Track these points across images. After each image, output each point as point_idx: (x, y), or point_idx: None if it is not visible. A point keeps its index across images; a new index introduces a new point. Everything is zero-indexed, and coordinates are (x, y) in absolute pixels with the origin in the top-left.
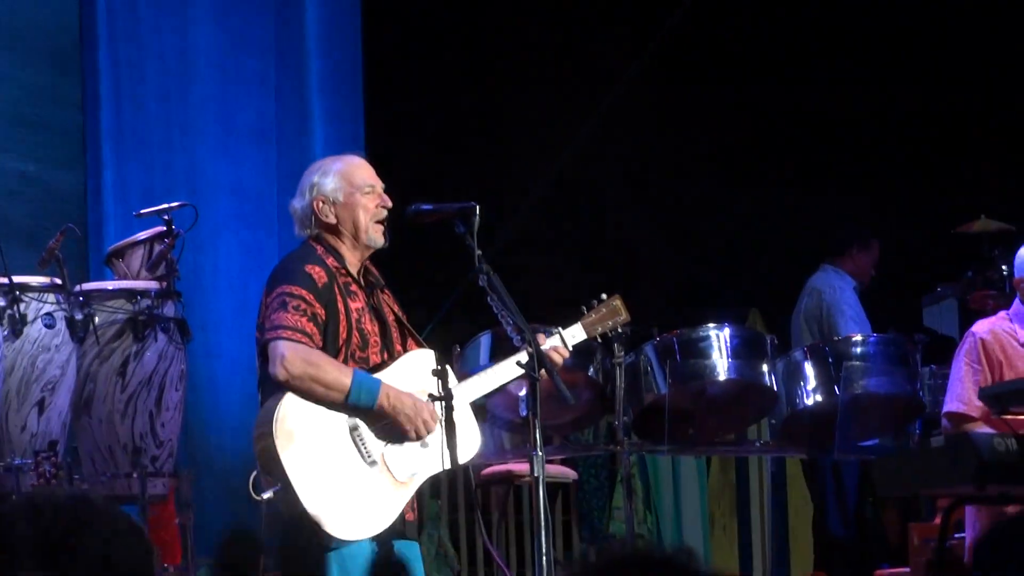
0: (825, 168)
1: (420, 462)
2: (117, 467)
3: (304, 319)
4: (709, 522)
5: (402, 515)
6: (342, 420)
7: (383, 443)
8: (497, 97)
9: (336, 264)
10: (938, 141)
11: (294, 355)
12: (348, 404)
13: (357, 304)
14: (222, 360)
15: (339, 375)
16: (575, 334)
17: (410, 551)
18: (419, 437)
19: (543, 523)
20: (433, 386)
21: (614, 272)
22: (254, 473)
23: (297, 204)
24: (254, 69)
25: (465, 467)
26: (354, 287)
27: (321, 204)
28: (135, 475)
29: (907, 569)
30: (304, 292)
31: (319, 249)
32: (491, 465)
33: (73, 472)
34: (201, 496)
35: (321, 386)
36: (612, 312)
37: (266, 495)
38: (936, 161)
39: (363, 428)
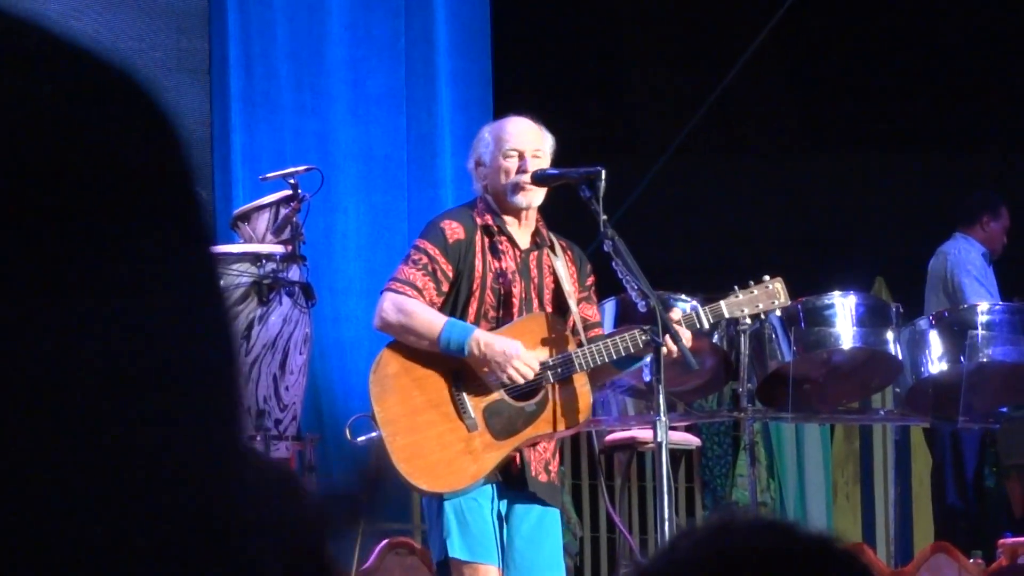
0: (954, 134)
1: (522, 422)
2: None
3: (420, 273)
4: (832, 490)
5: (530, 475)
6: (444, 372)
7: (483, 399)
8: (625, 61)
9: (491, 222)
10: None
11: (391, 305)
12: (440, 350)
13: (501, 264)
14: (350, 324)
15: (431, 322)
16: (715, 312)
17: (546, 517)
18: (512, 384)
19: (666, 489)
20: (546, 350)
21: (737, 239)
22: (352, 418)
23: (467, 164)
24: (383, 32)
25: (588, 433)
26: (505, 245)
27: (477, 166)
28: (259, 438)
29: None
30: (430, 247)
31: (479, 206)
32: (614, 431)
33: None
34: (327, 460)
35: (413, 334)
36: (768, 295)
37: (360, 439)
38: None
39: (464, 382)
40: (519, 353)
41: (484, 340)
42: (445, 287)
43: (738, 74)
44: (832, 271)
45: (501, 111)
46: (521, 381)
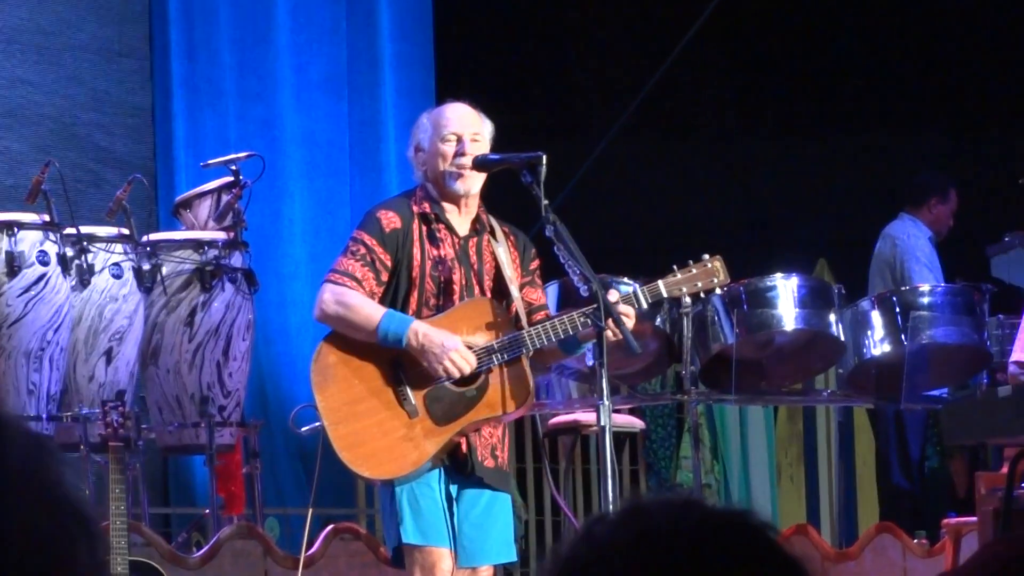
0: (896, 114)
1: (462, 407)
2: (185, 417)
3: (359, 264)
4: (776, 472)
5: (476, 460)
6: (384, 360)
7: (424, 386)
8: (567, 46)
9: (428, 210)
10: (1010, 88)
11: (331, 296)
12: (379, 342)
13: (439, 252)
14: (296, 309)
15: (369, 314)
16: (654, 291)
17: (495, 502)
18: (449, 378)
19: (610, 472)
20: (488, 335)
21: (679, 222)
22: (296, 408)
23: (407, 151)
24: (325, 17)
25: (532, 416)
26: (443, 233)
27: (416, 152)
28: (202, 425)
29: (974, 518)
30: (367, 237)
31: (417, 194)
32: (558, 414)
33: (141, 422)
34: (273, 446)
35: (352, 327)
36: (707, 273)
37: (304, 429)
38: (1007, 108)
39: (404, 370)
40: (457, 346)
41: (422, 332)
42: (384, 276)
43: (679, 57)
44: (775, 253)
45: (444, 96)
46: (457, 375)
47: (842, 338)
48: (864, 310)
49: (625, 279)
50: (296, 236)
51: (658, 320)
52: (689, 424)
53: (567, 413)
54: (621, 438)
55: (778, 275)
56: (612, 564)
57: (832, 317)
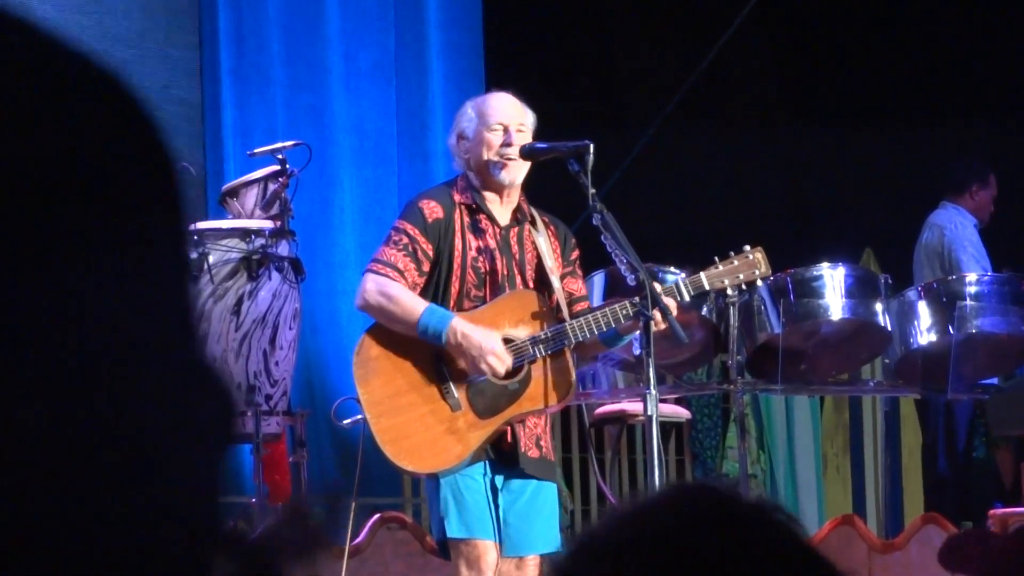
0: (941, 103)
1: (505, 400)
2: None
3: (401, 254)
4: (822, 461)
5: (521, 451)
6: (426, 353)
7: (466, 380)
8: (614, 33)
9: (469, 200)
10: None
11: (373, 287)
12: (418, 336)
13: (481, 242)
14: (345, 298)
15: (411, 307)
16: (696, 283)
17: (540, 492)
18: (492, 374)
19: (656, 462)
20: (530, 327)
21: (724, 211)
22: (338, 400)
23: (448, 140)
24: (374, 5)
25: (578, 406)
26: (485, 223)
27: (459, 140)
28: (249, 413)
29: (1021, 509)
30: (410, 227)
31: (459, 184)
32: (604, 404)
33: None
34: (319, 435)
35: (393, 319)
36: (748, 264)
37: (346, 422)
38: None
39: (447, 363)
40: (494, 348)
41: (461, 331)
42: (426, 267)
43: (725, 46)
44: (821, 243)
45: (492, 84)
46: (492, 376)
47: (888, 328)
48: (910, 300)
49: (671, 268)
50: (345, 224)
51: (704, 310)
52: (735, 414)
53: (613, 403)
54: (667, 428)
55: (824, 264)
56: (625, 556)
57: (879, 307)
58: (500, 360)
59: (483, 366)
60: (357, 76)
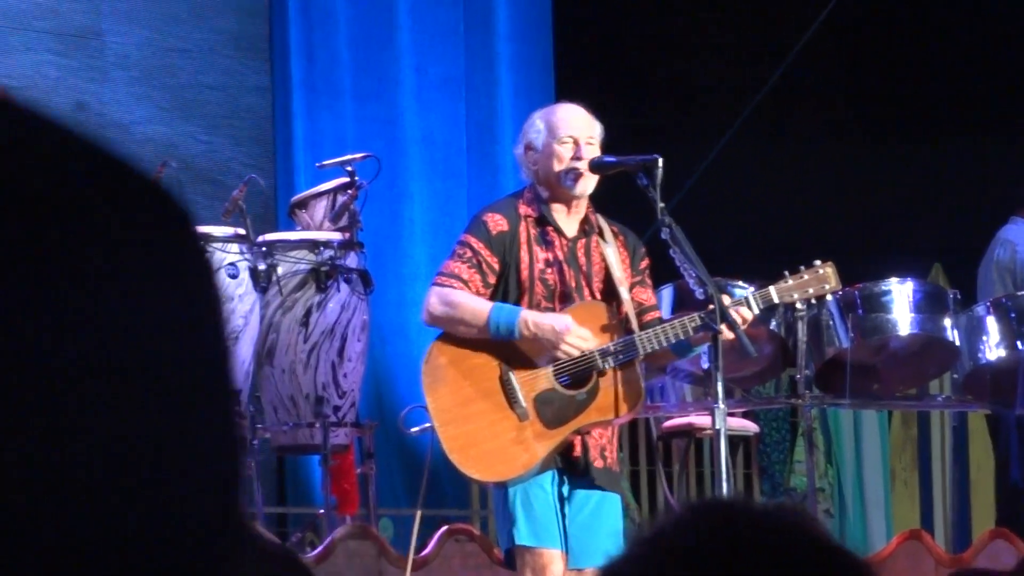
0: (1009, 118)
1: (572, 411)
2: (300, 417)
3: (466, 266)
4: (890, 476)
5: (589, 461)
6: (494, 362)
7: (534, 388)
8: (685, 45)
9: (536, 212)
10: None
11: (436, 299)
12: (490, 335)
13: (549, 254)
14: (415, 309)
15: (478, 309)
16: (765, 297)
17: (605, 503)
18: (565, 359)
19: (723, 476)
20: (600, 339)
21: (794, 225)
22: (406, 409)
23: (515, 150)
24: (444, 18)
25: (646, 419)
26: (552, 236)
27: (527, 151)
28: (317, 425)
29: None
30: (474, 240)
31: (526, 196)
32: (672, 417)
33: (255, 422)
34: (389, 446)
35: (462, 324)
36: (819, 279)
37: (414, 430)
38: None
39: (515, 371)
40: (569, 326)
41: (533, 319)
42: (491, 279)
43: (795, 60)
44: (890, 257)
45: (562, 96)
46: (575, 354)
47: (957, 343)
48: (979, 315)
49: (740, 282)
50: (415, 236)
51: (773, 324)
52: (803, 428)
53: (681, 416)
54: (735, 442)
55: (893, 279)
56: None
57: (947, 322)
58: (578, 337)
59: (562, 347)
60: (427, 88)
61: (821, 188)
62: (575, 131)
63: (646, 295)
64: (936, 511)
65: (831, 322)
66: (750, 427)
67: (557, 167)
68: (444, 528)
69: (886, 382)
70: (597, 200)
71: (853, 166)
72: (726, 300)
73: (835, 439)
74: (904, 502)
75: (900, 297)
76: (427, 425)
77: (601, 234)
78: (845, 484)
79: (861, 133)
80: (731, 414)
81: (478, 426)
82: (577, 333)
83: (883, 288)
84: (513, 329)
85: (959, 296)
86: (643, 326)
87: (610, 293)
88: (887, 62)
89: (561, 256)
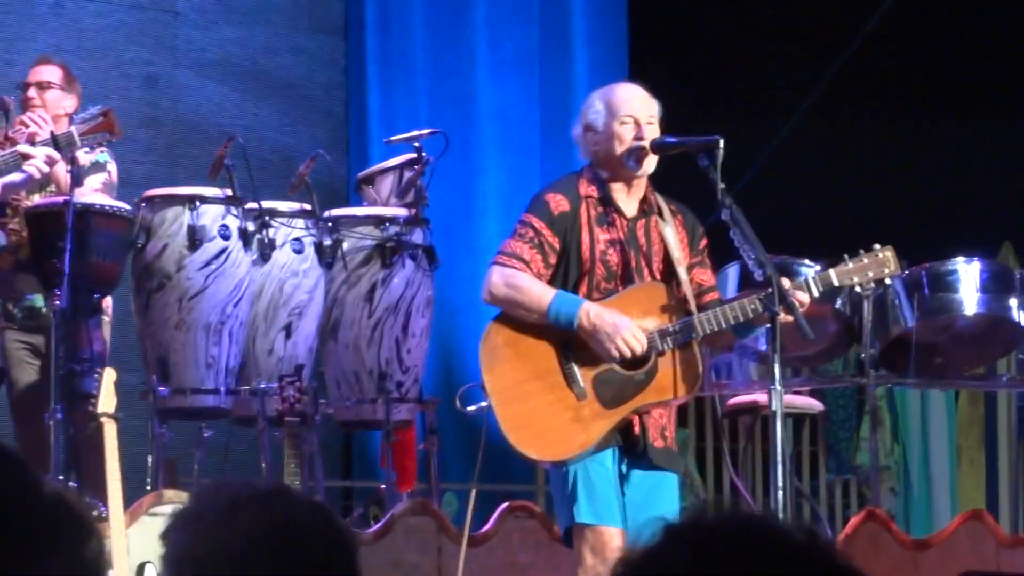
0: None
1: (631, 391)
2: (363, 392)
3: (527, 246)
4: (957, 454)
5: (648, 440)
6: (552, 342)
7: (592, 368)
8: (755, 25)
9: (596, 192)
10: None
11: (499, 278)
12: (550, 323)
13: (610, 235)
14: None
15: (540, 295)
16: (825, 280)
17: (663, 482)
18: (622, 358)
19: (779, 458)
20: (659, 319)
21: (863, 204)
22: (464, 387)
23: (573, 130)
24: None
25: (712, 397)
26: (613, 216)
27: (586, 132)
28: (380, 401)
29: None
30: (536, 220)
31: (586, 176)
32: (738, 395)
33: (319, 397)
34: (455, 422)
35: (522, 308)
36: (878, 263)
37: (470, 408)
38: None
39: (573, 351)
40: (629, 327)
41: (594, 312)
42: (552, 259)
43: (863, 40)
44: (958, 236)
45: (636, 74)
46: (628, 355)
47: (1023, 323)
48: None
49: (806, 261)
50: (488, 211)
51: (838, 303)
52: (868, 406)
53: (747, 393)
54: (800, 419)
55: (959, 259)
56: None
57: (1013, 302)
58: (635, 338)
59: (618, 343)
60: (502, 64)
61: (890, 166)
62: (636, 111)
63: (705, 276)
64: (1002, 490)
65: (897, 301)
66: (815, 405)
67: (619, 148)
68: (504, 505)
69: (951, 361)
70: (656, 180)
71: (924, 145)
72: (785, 283)
73: (902, 417)
74: (970, 481)
75: (966, 277)
76: (483, 404)
77: (660, 214)
78: (911, 462)
79: (931, 110)
80: (797, 392)
81: (536, 405)
82: (635, 332)
83: (949, 268)
84: (573, 319)
85: None
86: (701, 307)
87: (669, 273)
88: (955, 40)
89: (622, 236)
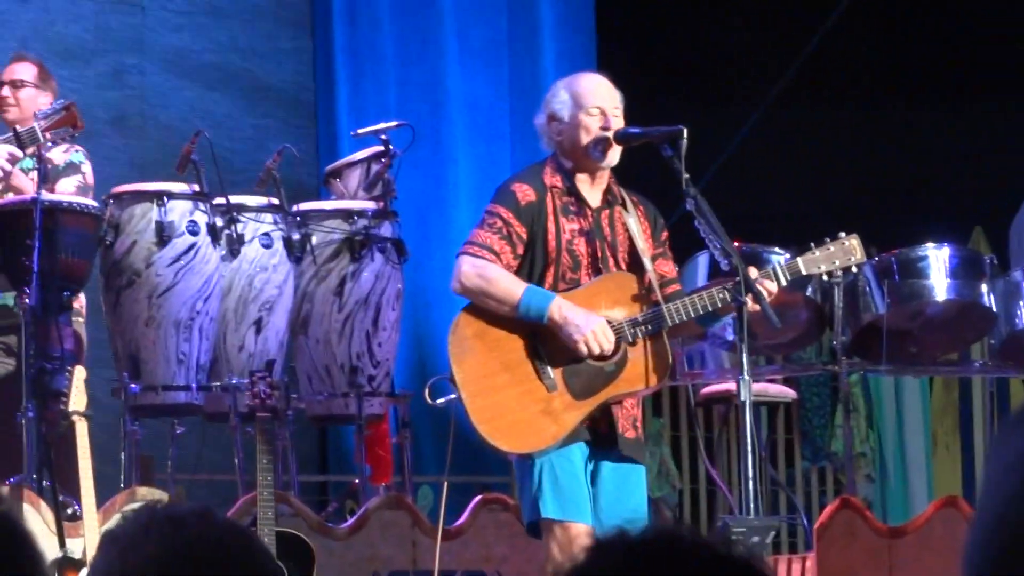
0: None
1: (601, 382)
2: (334, 387)
3: (496, 237)
4: (932, 441)
5: (619, 432)
6: (522, 333)
7: (562, 360)
8: (723, 11)
9: (560, 183)
10: None
11: (470, 268)
12: (519, 316)
13: (575, 225)
14: None
15: (510, 288)
16: (793, 268)
17: (632, 474)
18: (590, 354)
19: (749, 448)
20: (626, 310)
21: (832, 191)
22: (432, 379)
23: (536, 120)
24: None
25: (685, 386)
26: (577, 206)
27: (550, 122)
28: (352, 395)
29: None
30: (503, 211)
31: (550, 166)
32: (711, 384)
33: (290, 392)
34: (431, 415)
35: (493, 300)
36: (845, 251)
37: (440, 401)
38: None
39: (543, 343)
40: (599, 323)
41: (564, 307)
42: (520, 250)
43: (831, 26)
44: (930, 222)
45: (604, 62)
46: (597, 352)
47: (994, 308)
48: (1016, 280)
49: (776, 249)
50: (460, 201)
51: (809, 290)
52: (841, 394)
53: (720, 382)
54: (774, 407)
55: (930, 245)
56: None
57: (984, 287)
58: (604, 336)
59: (588, 340)
60: (470, 53)
61: (859, 152)
62: (602, 101)
63: (668, 267)
64: (978, 476)
65: (867, 288)
66: (789, 393)
67: (585, 138)
68: (478, 498)
69: (923, 348)
70: (620, 170)
71: (892, 131)
72: (753, 272)
73: (876, 404)
74: (946, 466)
75: (936, 263)
76: (452, 397)
77: (623, 204)
78: (887, 449)
79: (899, 96)
80: (771, 380)
81: (506, 397)
82: (605, 332)
83: (919, 254)
84: (543, 314)
85: (995, 261)
86: (666, 298)
87: (634, 264)
88: (923, 26)
89: (587, 227)
